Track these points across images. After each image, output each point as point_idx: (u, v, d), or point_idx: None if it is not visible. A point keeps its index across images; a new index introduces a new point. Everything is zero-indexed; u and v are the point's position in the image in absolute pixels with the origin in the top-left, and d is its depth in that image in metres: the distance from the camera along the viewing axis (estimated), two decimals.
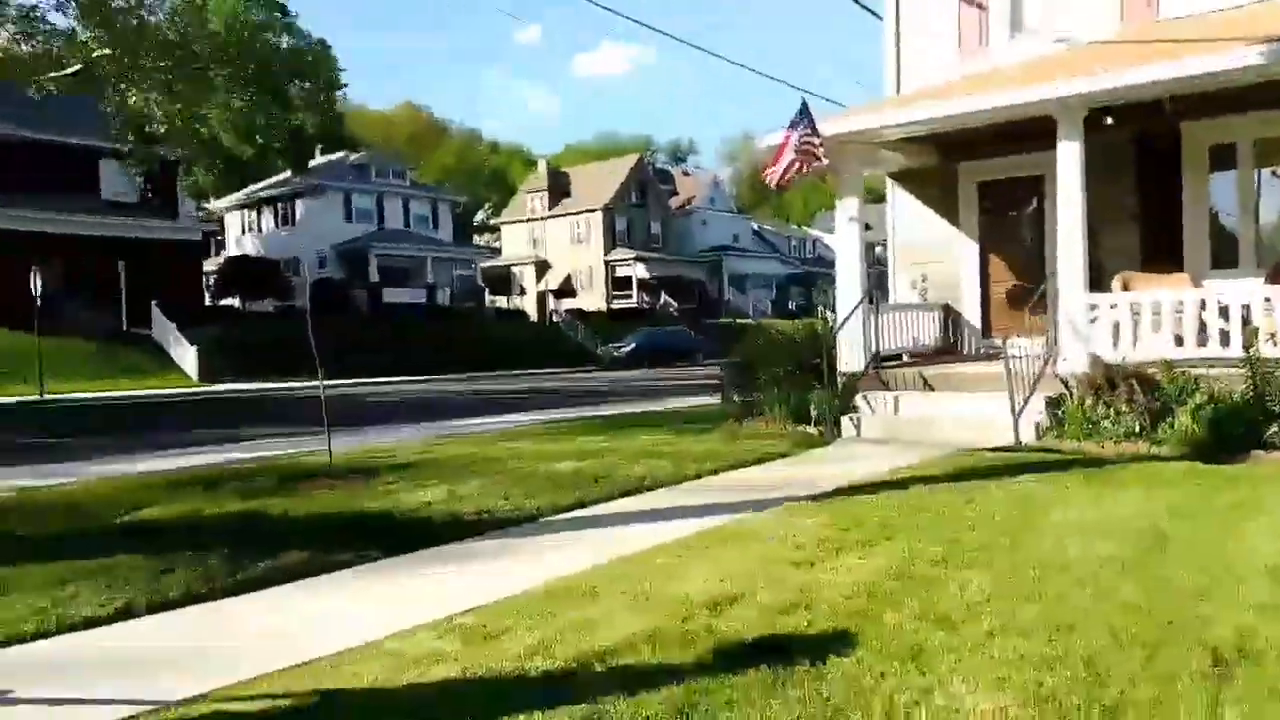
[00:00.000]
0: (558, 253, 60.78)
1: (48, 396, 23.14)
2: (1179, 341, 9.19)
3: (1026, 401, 9.18)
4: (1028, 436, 9.05)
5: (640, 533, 5.74)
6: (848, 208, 11.13)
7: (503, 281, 61.21)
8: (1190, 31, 9.32)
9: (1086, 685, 3.10)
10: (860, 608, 3.99)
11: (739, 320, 52.88)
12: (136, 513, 6.64)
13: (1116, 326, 9.49)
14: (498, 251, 64.18)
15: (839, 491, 6.87)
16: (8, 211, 30.22)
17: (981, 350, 12.54)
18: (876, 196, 14.75)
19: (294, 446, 10.87)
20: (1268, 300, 8.60)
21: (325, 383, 9.27)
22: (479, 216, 75.85)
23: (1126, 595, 4.07)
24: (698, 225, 64.48)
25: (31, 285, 23.51)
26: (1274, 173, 10.68)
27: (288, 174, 50.64)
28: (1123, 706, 2.95)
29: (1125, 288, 10.26)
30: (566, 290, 58.98)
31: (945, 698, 3.05)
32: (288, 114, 35.18)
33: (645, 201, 61.75)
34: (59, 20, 28.62)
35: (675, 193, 67.04)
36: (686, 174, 76.04)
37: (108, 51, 27.55)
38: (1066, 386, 9.48)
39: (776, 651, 3.48)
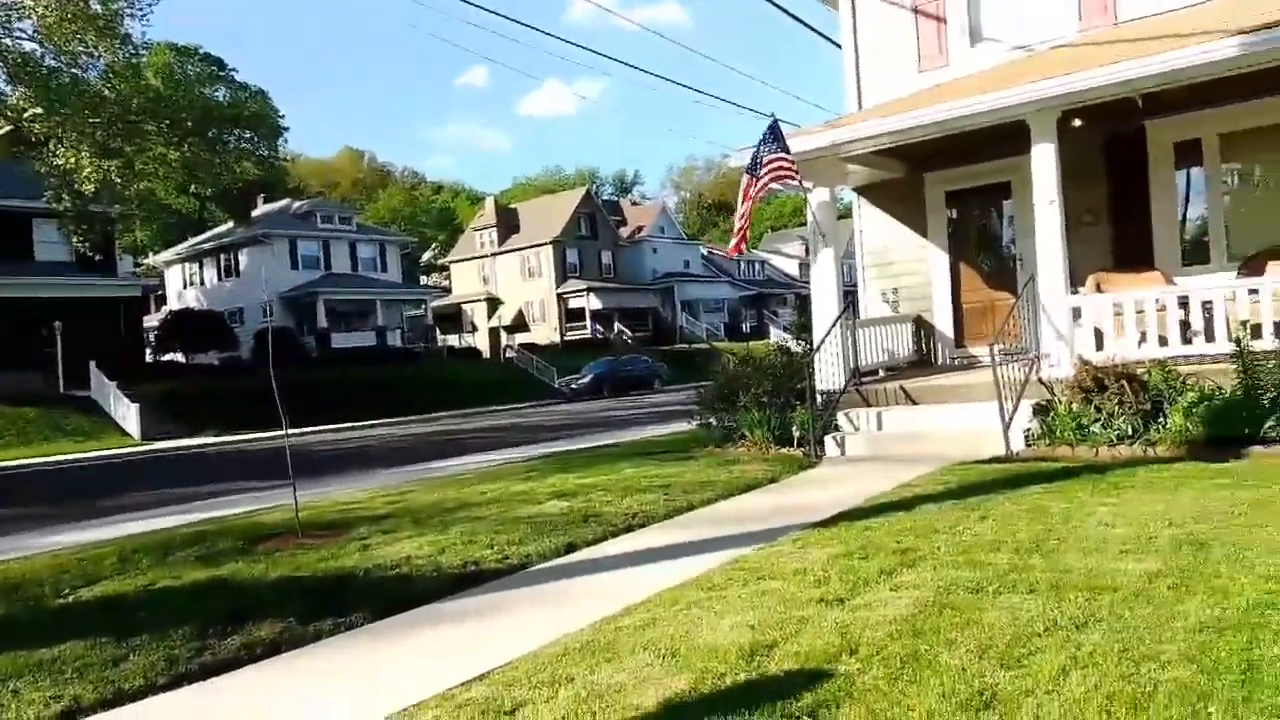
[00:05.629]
0: (509, 288, 60.24)
1: None
2: (1162, 341, 9.08)
3: (1015, 409, 8.97)
4: (1018, 445, 8.83)
5: (645, 576, 5.31)
6: (822, 224, 10.85)
7: (454, 320, 60.39)
8: (1150, 30, 9.28)
9: None
10: (911, 648, 3.61)
11: (694, 345, 53.04)
12: (84, 590, 6.03)
13: (1099, 328, 9.36)
14: (448, 290, 63.43)
15: (843, 516, 6.51)
16: None
17: (955, 360, 12.37)
18: (841, 212, 14.60)
19: (253, 503, 10.24)
20: (1253, 293, 8.49)
21: (285, 433, 8.71)
22: (426, 256, 75.12)
23: (1191, 613, 3.74)
24: (648, 253, 64.41)
25: None
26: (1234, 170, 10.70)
27: (230, 225, 49.49)
28: None
29: (1099, 288, 10.15)
30: (519, 325, 58.41)
31: None
32: (227, 163, 34.23)
33: (595, 233, 61.62)
34: None
35: (624, 223, 67.02)
36: (634, 204, 76.24)
37: (39, 111, 26.51)
38: (1052, 392, 9.29)
39: (834, 707, 3.09)
